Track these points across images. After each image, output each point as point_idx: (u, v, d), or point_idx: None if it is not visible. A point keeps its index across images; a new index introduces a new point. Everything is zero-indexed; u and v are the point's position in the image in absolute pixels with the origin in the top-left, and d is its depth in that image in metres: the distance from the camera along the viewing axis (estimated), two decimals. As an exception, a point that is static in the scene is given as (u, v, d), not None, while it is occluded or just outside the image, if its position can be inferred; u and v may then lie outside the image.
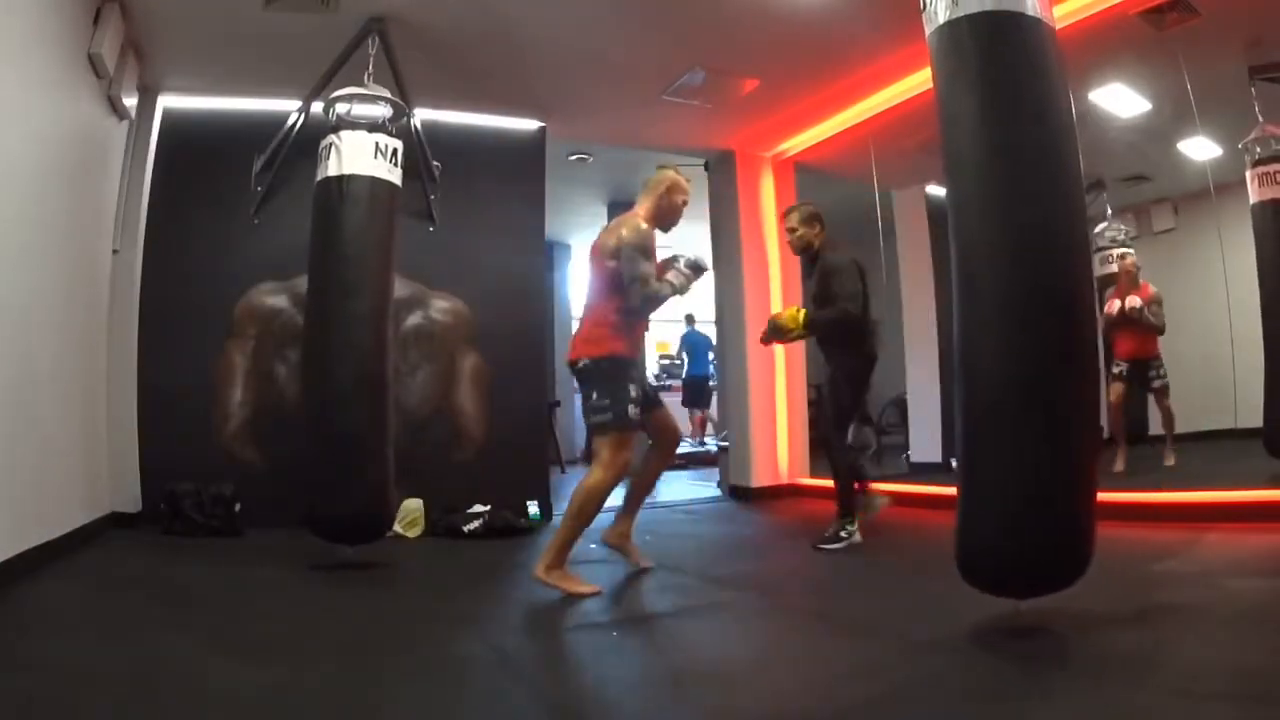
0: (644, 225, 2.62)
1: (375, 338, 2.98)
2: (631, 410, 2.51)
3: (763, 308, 5.17)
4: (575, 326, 3.03)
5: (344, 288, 2.94)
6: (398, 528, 3.61)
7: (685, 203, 2.78)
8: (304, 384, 3.20)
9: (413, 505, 3.73)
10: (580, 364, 2.58)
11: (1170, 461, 4.13)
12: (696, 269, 2.66)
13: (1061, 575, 1.80)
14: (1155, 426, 4.36)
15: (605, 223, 7.14)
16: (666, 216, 2.74)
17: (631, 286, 2.52)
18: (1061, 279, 1.84)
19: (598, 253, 2.65)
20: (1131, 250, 4.62)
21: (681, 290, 2.64)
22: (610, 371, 2.53)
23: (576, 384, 2.69)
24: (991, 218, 1.88)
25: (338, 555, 2.94)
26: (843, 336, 3.31)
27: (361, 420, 2.90)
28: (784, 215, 3.50)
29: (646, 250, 2.57)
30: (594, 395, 2.53)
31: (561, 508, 4.61)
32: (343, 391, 2.89)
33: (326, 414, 2.90)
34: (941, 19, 1.93)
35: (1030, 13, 1.88)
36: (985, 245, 1.88)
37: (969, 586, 1.87)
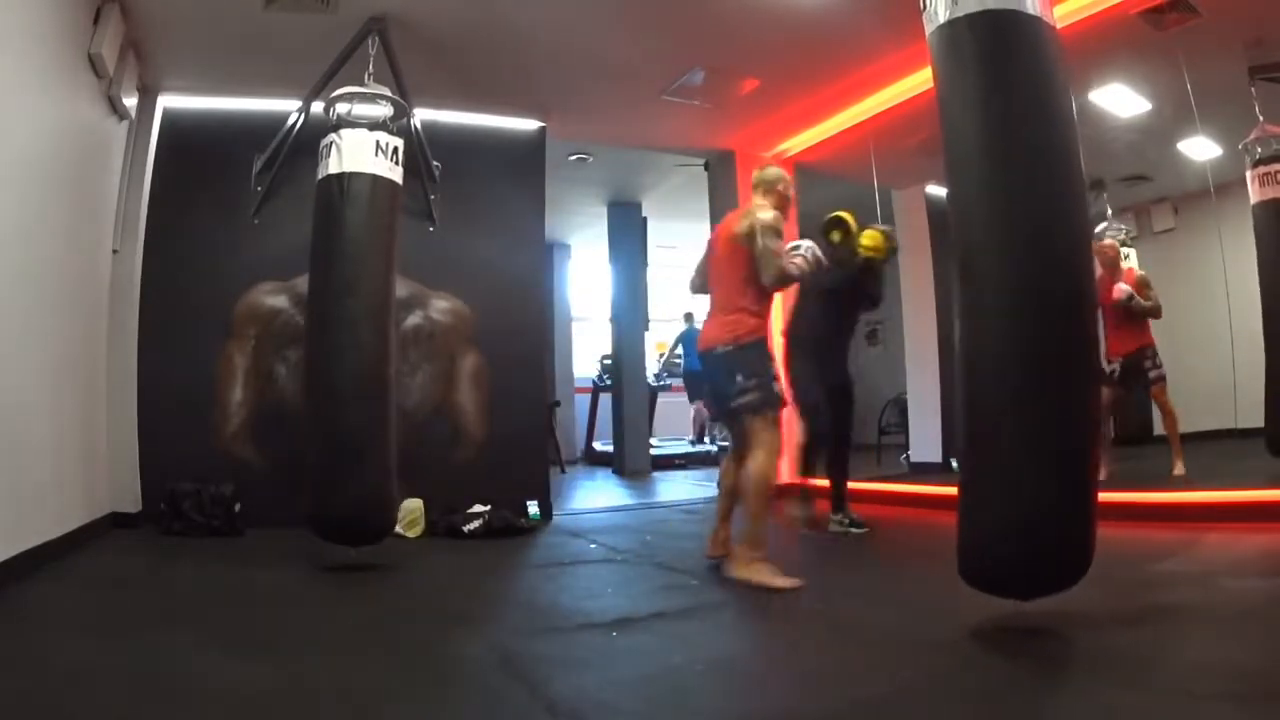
0: (774, 211, 2.63)
1: (378, 336, 2.97)
2: (777, 386, 2.53)
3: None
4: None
5: (345, 286, 2.93)
6: (398, 528, 3.60)
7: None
8: (305, 383, 3.19)
9: (413, 505, 3.73)
10: (718, 350, 2.54)
11: (1179, 470, 3.79)
12: (819, 261, 2.67)
13: (1062, 577, 1.81)
14: (1158, 426, 4.13)
15: (605, 223, 7.19)
16: (785, 209, 2.77)
17: (763, 260, 2.50)
18: (1063, 278, 1.84)
19: (727, 238, 2.64)
20: (1117, 234, 4.47)
21: (802, 276, 2.65)
22: (754, 353, 2.52)
23: (707, 373, 2.65)
24: (993, 217, 1.88)
25: (338, 555, 2.94)
26: (844, 343, 3.59)
27: (364, 420, 2.89)
28: (862, 228, 3.50)
29: (780, 231, 2.58)
30: (737, 378, 2.49)
31: (563, 507, 4.64)
32: (345, 391, 2.87)
33: (328, 414, 2.88)
34: (942, 18, 1.94)
35: (1029, 11, 1.88)
36: (987, 244, 1.88)
37: (969, 587, 1.87)
